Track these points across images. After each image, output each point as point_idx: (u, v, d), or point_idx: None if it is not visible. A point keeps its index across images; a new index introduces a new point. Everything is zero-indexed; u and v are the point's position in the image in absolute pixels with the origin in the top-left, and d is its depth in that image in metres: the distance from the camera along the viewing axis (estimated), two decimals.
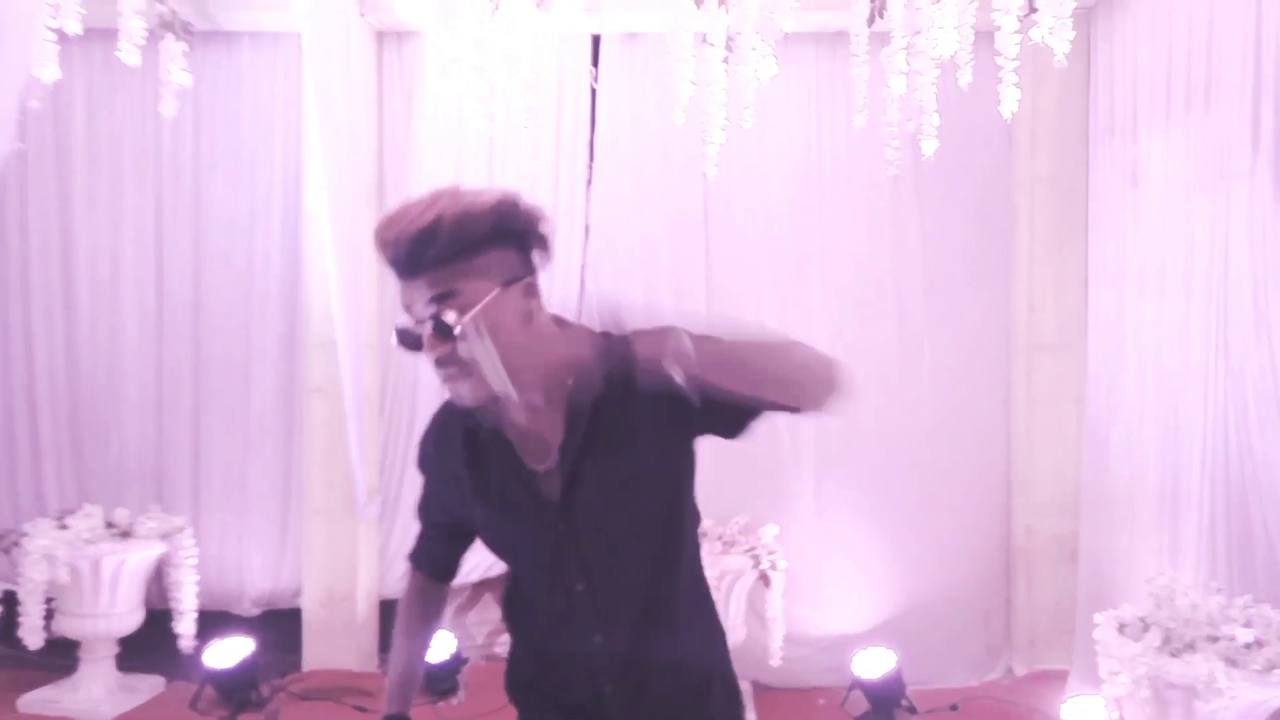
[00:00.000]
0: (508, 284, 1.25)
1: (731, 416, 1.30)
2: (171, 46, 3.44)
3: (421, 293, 1.23)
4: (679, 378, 1.15)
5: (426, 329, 1.23)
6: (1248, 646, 2.49)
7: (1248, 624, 2.54)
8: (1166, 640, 2.63)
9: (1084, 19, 3.81)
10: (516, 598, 1.49)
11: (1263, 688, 2.40)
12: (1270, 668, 2.42)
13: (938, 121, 3.09)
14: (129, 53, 3.26)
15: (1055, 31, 2.22)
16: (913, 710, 3.71)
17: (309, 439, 4.03)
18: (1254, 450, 2.81)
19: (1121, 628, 2.77)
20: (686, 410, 1.23)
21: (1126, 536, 3.52)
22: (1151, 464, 3.40)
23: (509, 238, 1.26)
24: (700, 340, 1.18)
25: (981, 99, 3.73)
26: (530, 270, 1.29)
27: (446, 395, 1.32)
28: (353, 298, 3.84)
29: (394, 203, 4.14)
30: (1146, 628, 2.70)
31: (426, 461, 1.52)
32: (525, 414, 1.35)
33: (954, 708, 3.79)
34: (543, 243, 1.31)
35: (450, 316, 1.21)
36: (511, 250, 1.27)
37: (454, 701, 3.87)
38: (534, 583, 1.43)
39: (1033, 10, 2.56)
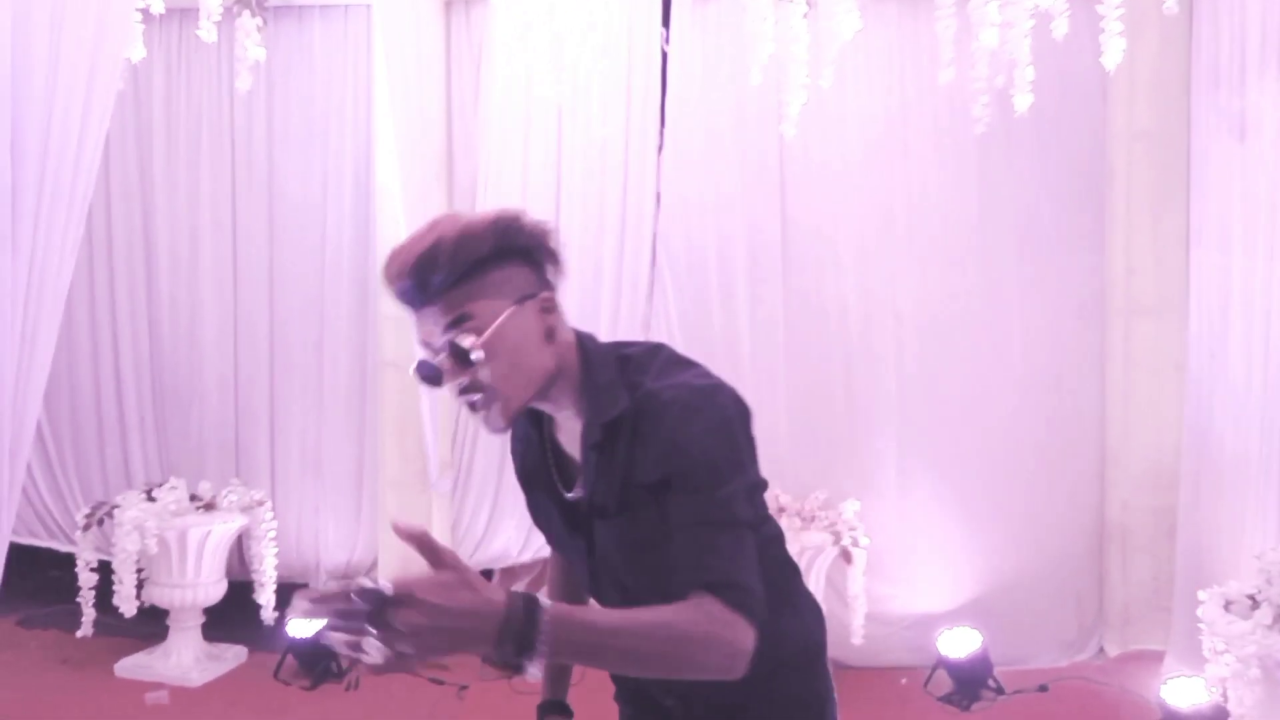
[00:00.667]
0: (521, 300, 1.18)
1: None
2: (247, 23, 3.45)
3: (436, 321, 1.16)
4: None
5: (444, 358, 1.17)
6: None
7: None
8: (1277, 618, 2.50)
9: None
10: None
11: None
12: None
13: (1031, 75, 2.92)
14: (207, 30, 3.28)
15: None
16: (1000, 691, 3.61)
17: (383, 413, 4.06)
18: None
19: (1227, 605, 2.68)
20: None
21: (1230, 510, 3.35)
22: (1257, 434, 3.23)
23: (515, 253, 1.19)
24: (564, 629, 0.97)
25: (1075, 51, 3.56)
26: (545, 285, 1.22)
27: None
28: None
29: (464, 176, 4.20)
30: (1256, 604, 2.59)
31: (514, 457, 1.46)
32: (564, 435, 1.30)
33: (1043, 689, 3.67)
34: (553, 257, 1.23)
35: (467, 340, 1.15)
36: (520, 266, 1.20)
37: (527, 677, 3.86)
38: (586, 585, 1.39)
39: None
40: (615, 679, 1.44)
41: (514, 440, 1.41)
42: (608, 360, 1.24)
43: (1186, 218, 3.73)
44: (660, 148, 4.03)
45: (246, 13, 3.55)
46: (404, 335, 3.90)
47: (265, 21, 3.61)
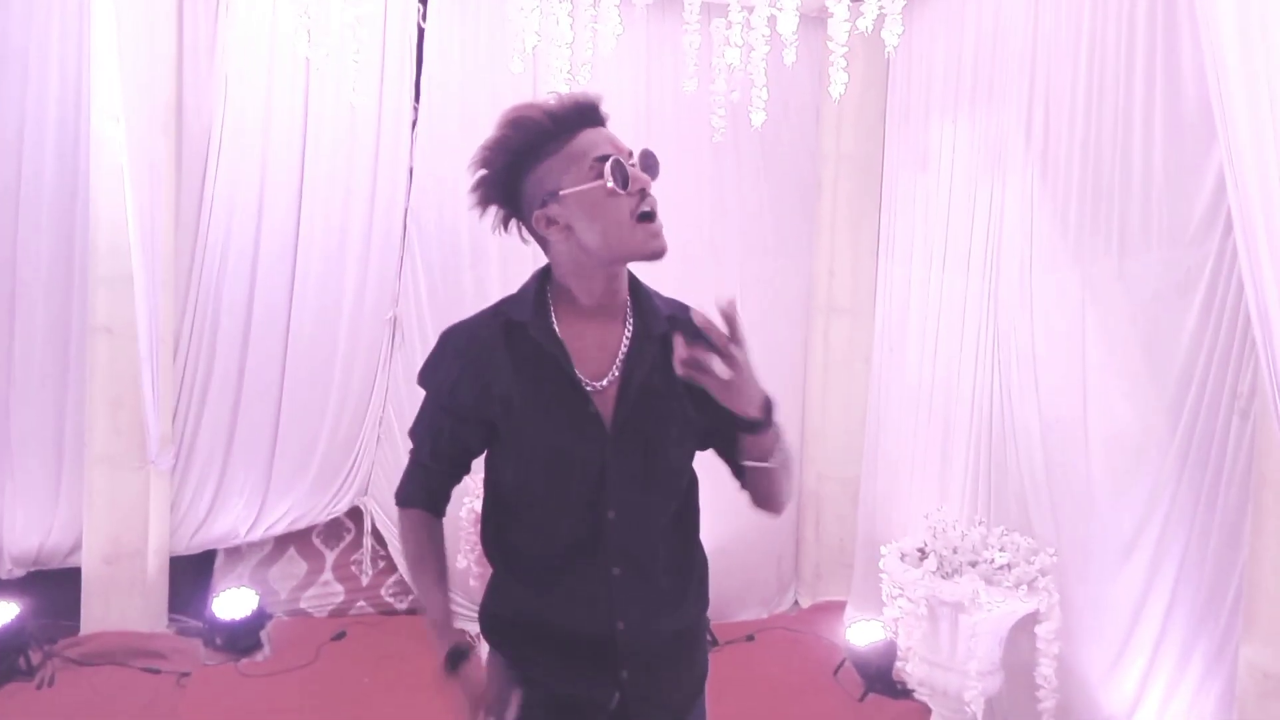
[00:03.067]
0: None
1: (724, 456, 1.48)
2: None
3: (616, 136, 1.37)
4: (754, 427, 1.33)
5: (635, 164, 1.35)
6: (1001, 569, 2.93)
7: (1002, 549, 2.99)
8: (939, 566, 3.03)
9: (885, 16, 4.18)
10: (513, 530, 1.45)
11: (1012, 601, 2.85)
12: (1018, 584, 2.87)
13: (766, 96, 3.28)
14: None
15: (886, 23, 2.44)
16: (714, 642, 4.01)
17: (92, 382, 3.65)
18: (1012, 405, 3.28)
19: (903, 556, 3.14)
20: (706, 405, 1.33)
21: (903, 480, 3.98)
22: (926, 416, 3.85)
23: None
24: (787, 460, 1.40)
25: (798, 77, 4.02)
26: None
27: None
28: (149, 229, 3.52)
29: (195, 129, 3.88)
30: (925, 555, 3.09)
31: (447, 372, 1.43)
32: (602, 314, 1.41)
33: (750, 638, 4.13)
34: None
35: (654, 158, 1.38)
36: None
37: (258, 658, 3.73)
38: (557, 508, 1.41)
39: None
40: (546, 613, 1.44)
41: (468, 369, 1.41)
42: None
43: (878, 231, 4.32)
44: (414, 123, 4.00)
45: None
46: (119, 298, 3.56)
47: None
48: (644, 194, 1.32)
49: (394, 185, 4.00)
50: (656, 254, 1.34)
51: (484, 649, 1.54)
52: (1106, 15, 2.86)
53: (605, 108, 1.41)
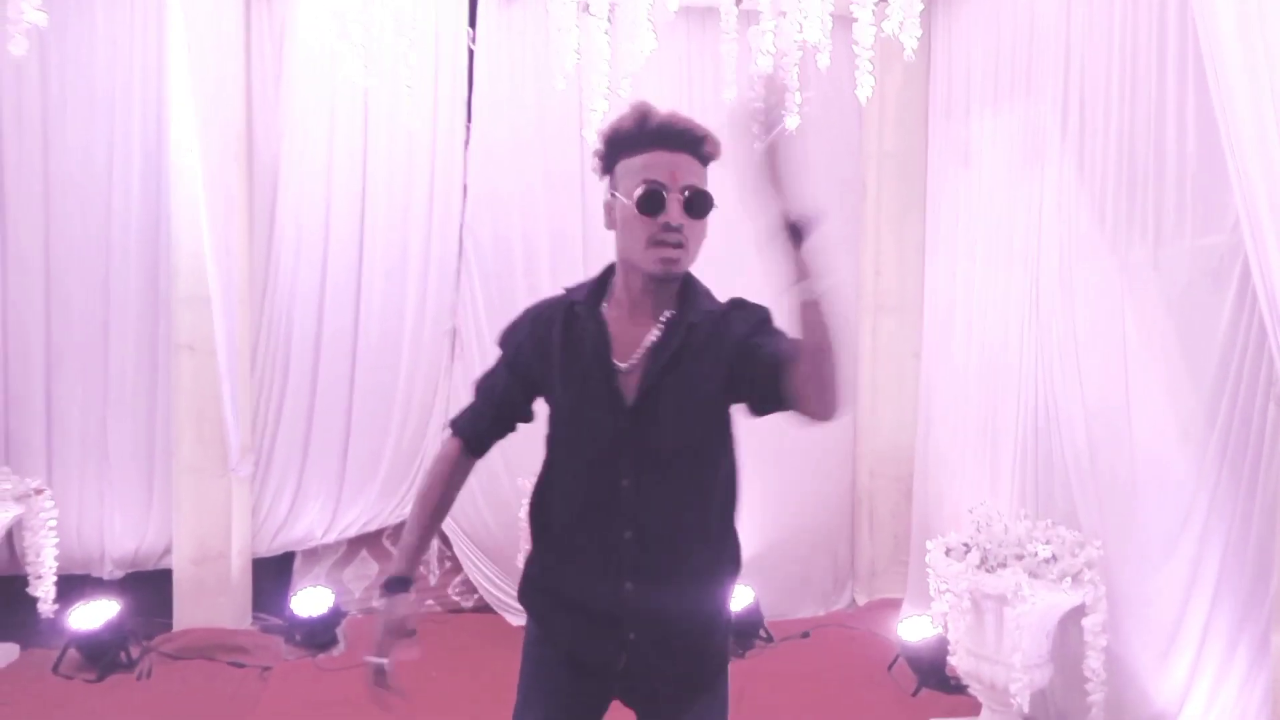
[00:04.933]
0: None
1: (768, 398, 1.51)
2: None
3: (687, 170, 1.48)
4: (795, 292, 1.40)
5: (681, 198, 1.47)
6: (1046, 561, 2.94)
7: (1047, 542, 2.99)
8: (984, 560, 3.04)
9: (926, 12, 4.17)
10: (550, 492, 1.63)
11: (1056, 593, 2.85)
12: (1063, 577, 2.87)
13: (799, 100, 3.35)
14: None
15: (904, 27, 2.50)
16: (769, 639, 4.08)
17: (178, 396, 3.94)
18: (1056, 397, 3.27)
19: (948, 551, 3.17)
20: (744, 371, 1.48)
21: (954, 475, 3.98)
22: (974, 411, 3.85)
23: None
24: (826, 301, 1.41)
25: (838, 79, 4.07)
26: None
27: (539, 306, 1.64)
28: (224, 252, 3.78)
29: (265, 156, 4.13)
30: (968, 550, 3.11)
31: (518, 334, 1.65)
32: (643, 306, 1.55)
33: (805, 635, 4.18)
34: None
35: (708, 198, 1.49)
36: None
37: (334, 653, 3.94)
38: (581, 471, 1.57)
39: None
40: (564, 575, 1.60)
41: (529, 336, 1.62)
42: None
43: (923, 228, 4.34)
44: (467, 142, 4.19)
45: None
46: (200, 317, 3.83)
47: None
48: (666, 226, 1.46)
49: (449, 202, 4.19)
50: (659, 276, 1.52)
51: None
52: (1138, 7, 2.86)
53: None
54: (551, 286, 4.17)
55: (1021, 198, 3.50)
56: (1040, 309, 3.37)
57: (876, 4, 2.76)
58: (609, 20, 3.39)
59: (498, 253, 4.23)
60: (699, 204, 1.48)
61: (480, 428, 1.71)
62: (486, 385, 1.71)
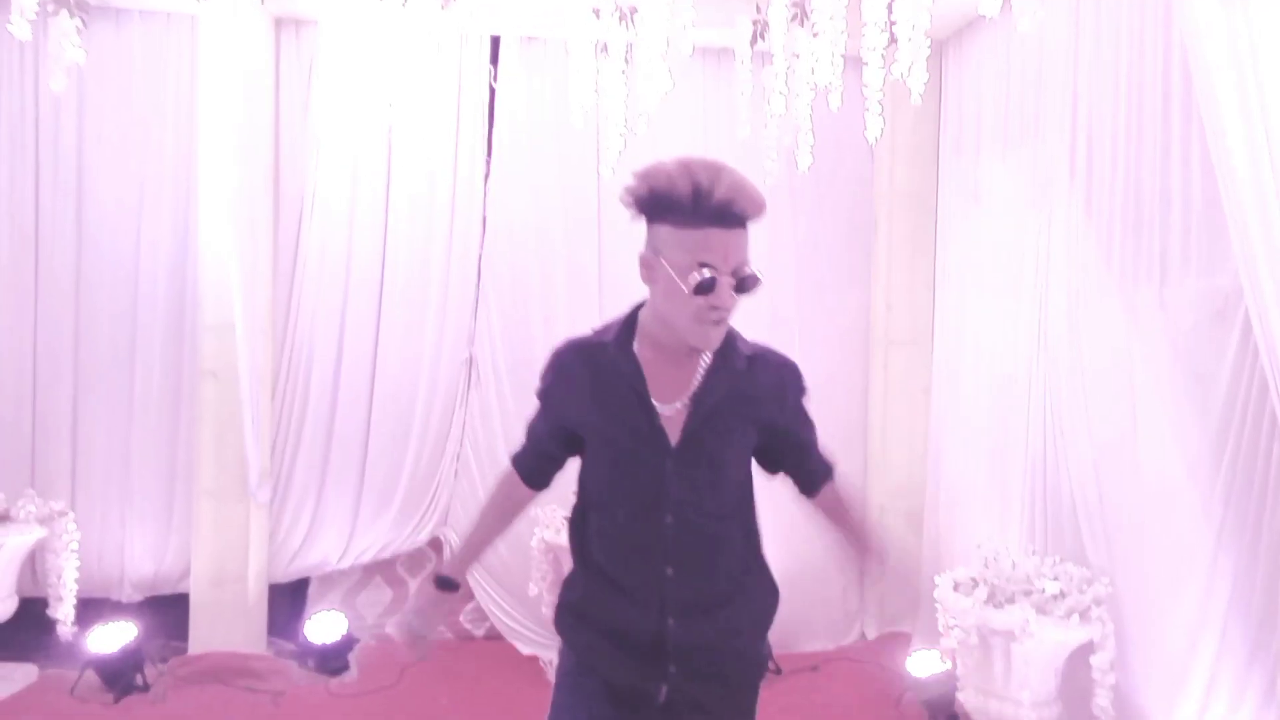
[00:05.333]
0: None
1: (788, 474, 1.75)
2: (65, 23, 3.38)
3: (740, 245, 1.47)
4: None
5: (733, 281, 1.47)
6: (1054, 598, 2.95)
7: (1055, 579, 3.00)
8: (991, 595, 3.05)
9: (936, 52, 4.26)
10: (587, 526, 1.68)
11: (1064, 630, 2.86)
12: (1070, 613, 2.88)
13: (813, 141, 3.43)
14: (20, 27, 3.19)
15: (912, 72, 2.57)
16: (778, 672, 4.07)
17: (200, 421, 4.02)
18: (1064, 434, 3.29)
19: (956, 586, 3.18)
20: (776, 452, 1.66)
21: (964, 509, 4.00)
22: (984, 446, 3.87)
23: None
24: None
25: (850, 119, 4.14)
26: None
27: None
28: (250, 281, 3.88)
29: (291, 188, 4.26)
30: (976, 585, 3.12)
31: (559, 381, 1.68)
32: (685, 359, 1.59)
33: (815, 668, 4.18)
34: None
35: (758, 278, 1.51)
36: None
37: (346, 679, 3.98)
38: (622, 509, 1.61)
39: (893, 40, 2.93)
40: (607, 608, 1.65)
41: (558, 381, 1.68)
42: None
43: (934, 265, 4.39)
44: (487, 176, 4.29)
45: (65, 12, 3.48)
46: (225, 344, 3.92)
47: (85, 23, 3.55)
48: (715, 307, 1.49)
49: (469, 234, 4.28)
50: (703, 349, 1.56)
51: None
52: (1143, 51, 2.92)
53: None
54: (568, 317, 4.29)
55: (1030, 237, 3.55)
56: (1048, 347, 3.41)
57: (886, 48, 2.84)
58: (625, 60, 3.49)
59: (515, 284, 4.31)
60: (749, 286, 1.50)
61: (530, 464, 1.79)
62: (531, 427, 1.78)
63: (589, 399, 1.61)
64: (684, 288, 1.46)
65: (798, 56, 3.38)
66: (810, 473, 1.77)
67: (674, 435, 1.57)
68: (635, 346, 1.60)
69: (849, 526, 1.76)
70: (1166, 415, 2.80)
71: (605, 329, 1.66)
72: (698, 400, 1.57)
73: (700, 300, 1.46)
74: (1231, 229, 1.91)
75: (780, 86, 3.37)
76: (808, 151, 3.47)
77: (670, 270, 1.48)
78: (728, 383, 1.58)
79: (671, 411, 1.58)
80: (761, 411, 1.62)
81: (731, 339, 1.61)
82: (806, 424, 1.73)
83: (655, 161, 1.50)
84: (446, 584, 1.74)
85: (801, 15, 3.27)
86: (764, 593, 1.71)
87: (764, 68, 3.54)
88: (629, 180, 1.53)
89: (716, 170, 1.45)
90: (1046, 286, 3.43)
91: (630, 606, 1.60)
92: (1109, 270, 3.06)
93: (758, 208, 1.48)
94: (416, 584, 4.47)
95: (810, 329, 4.42)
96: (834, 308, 4.49)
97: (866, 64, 2.81)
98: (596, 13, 3.45)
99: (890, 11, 2.68)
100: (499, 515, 1.80)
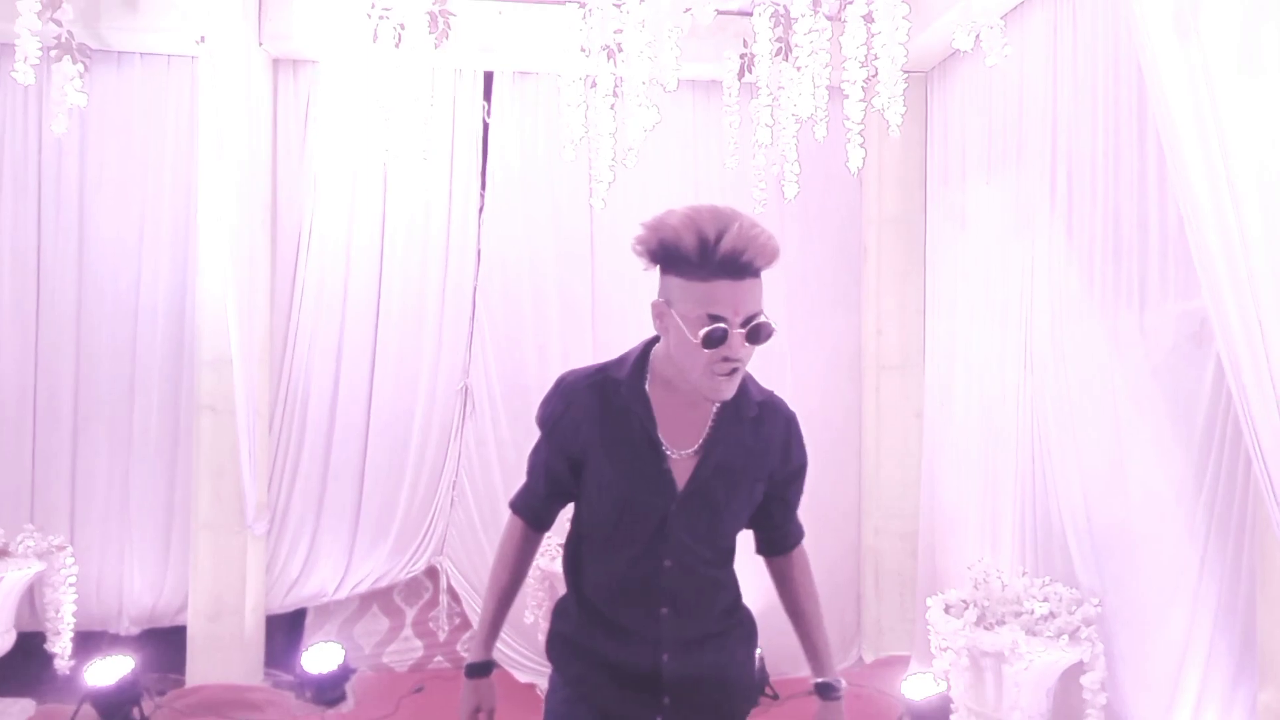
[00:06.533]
0: None
1: (754, 524, 1.74)
2: (67, 68, 3.45)
3: (749, 299, 1.43)
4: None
5: (744, 332, 1.43)
6: (1044, 619, 2.97)
7: (1044, 600, 3.03)
8: (982, 617, 3.08)
9: (921, 83, 4.38)
10: (581, 559, 1.68)
11: (1054, 651, 2.88)
12: (1060, 634, 2.91)
13: (798, 170, 3.50)
14: (23, 73, 3.27)
15: (890, 105, 2.64)
16: (775, 697, 4.09)
17: (198, 454, 4.06)
18: (1052, 456, 3.33)
19: (948, 608, 3.21)
20: (770, 482, 1.65)
21: (957, 531, 4.02)
22: (976, 468, 3.91)
23: None
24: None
25: (837, 149, 4.21)
26: None
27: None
28: (248, 316, 3.93)
29: (288, 224, 4.34)
30: (967, 607, 3.15)
31: (554, 410, 1.65)
32: (697, 404, 1.58)
33: (810, 692, 4.16)
34: None
35: (770, 327, 1.47)
36: None
37: (343, 709, 3.99)
38: (622, 549, 1.61)
39: (875, 73, 3.00)
40: (603, 642, 1.65)
41: (566, 412, 1.63)
42: None
43: (923, 290, 4.45)
44: (481, 208, 4.37)
45: (67, 58, 3.55)
46: (222, 378, 3.97)
47: (86, 67, 3.63)
48: (726, 359, 1.45)
49: (463, 266, 4.35)
50: (716, 399, 1.53)
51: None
52: (1119, 83, 2.99)
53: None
54: (561, 346, 4.35)
55: (1015, 263, 3.61)
56: (1035, 370, 3.46)
57: (868, 80, 2.91)
58: (614, 94, 3.57)
59: (509, 314, 4.37)
60: (762, 335, 1.46)
61: (535, 505, 1.74)
62: (534, 463, 1.72)
63: (597, 435, 1.59)
64: (694, 339, 1.44)
65: (783, 89, 3.46)
66: (783, 535, 1.76)
67: (681, 480, 1.58)
68: (647, 386, 1.59)
69: (810, 636, 1.81)
70: (1150, 437, 2.84)
71: (617, 365, 1.63)
72: (708, 448, 1.58)
73: (710, 352, 1.44)
74: (1196, 261, 1.96)
75: (766, 118, 3.45)
76: (794, 181, 3.54)
77: (680, 322, 1.46)
78: (738, 433, 1.60)
79: (680, 456, 1.58)
80: (766, 465, 1.64)
81: (744, 386, 1.59)
82: (798, 487, 1.73)
83: (665, 211, 1.46)
84: (476, 670, 1.72)
85: (786, 49, 3.36)
86: (750, 626, 1.75)
87: (751, 100, 3.62)
88: (639, 230, 1.49)
89: (725, 220, 1.41)
90: (1031, 311, 3.49)
91: (625, 643, 1.62)
92: (1090, 295, 3.11)
93: (769, 257, 1.43)
94: (413, 615, 4.48)
95: (802, 355, 4.46)
96: (825, 333, 4.54)
97: (848, 96, 2.89)
98: (585, 50, 3.53)
99: (869, 48, 2.75)
100: (512, 578, 1.74)
